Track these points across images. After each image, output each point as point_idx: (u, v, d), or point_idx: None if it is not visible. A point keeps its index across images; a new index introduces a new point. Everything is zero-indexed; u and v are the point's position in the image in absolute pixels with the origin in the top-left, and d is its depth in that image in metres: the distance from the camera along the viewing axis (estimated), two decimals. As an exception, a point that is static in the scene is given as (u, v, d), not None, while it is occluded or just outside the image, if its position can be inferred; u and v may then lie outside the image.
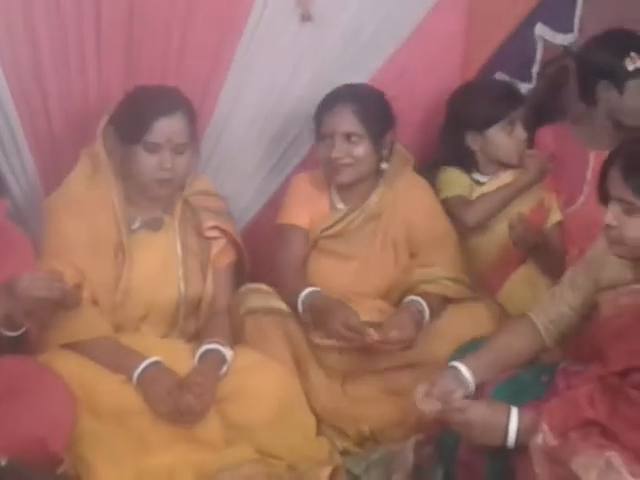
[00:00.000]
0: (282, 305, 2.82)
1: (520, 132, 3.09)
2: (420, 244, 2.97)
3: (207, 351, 2.62)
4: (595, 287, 2.45)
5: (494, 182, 3.13)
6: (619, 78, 3.07)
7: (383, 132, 2.92)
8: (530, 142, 3.16)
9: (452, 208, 3.07)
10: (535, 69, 3.44)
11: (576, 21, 3.37)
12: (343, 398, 2.80)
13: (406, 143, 3.08)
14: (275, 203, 3.14)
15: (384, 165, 2.96)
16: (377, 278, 2.97)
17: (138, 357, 2.56)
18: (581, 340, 2.53)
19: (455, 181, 3.13)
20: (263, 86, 3.08)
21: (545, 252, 3.01)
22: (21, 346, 2.54)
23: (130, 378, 2.53)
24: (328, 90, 2.95)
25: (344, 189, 2.98)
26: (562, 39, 3.40)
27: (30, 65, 2.83)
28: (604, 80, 3.11)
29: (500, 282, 3.08)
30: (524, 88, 3.39)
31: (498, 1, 3.28)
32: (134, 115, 2.66)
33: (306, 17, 3.01)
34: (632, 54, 3.05)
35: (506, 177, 3.13)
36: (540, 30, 3.36)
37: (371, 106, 2.90)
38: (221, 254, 2.84)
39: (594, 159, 3.11)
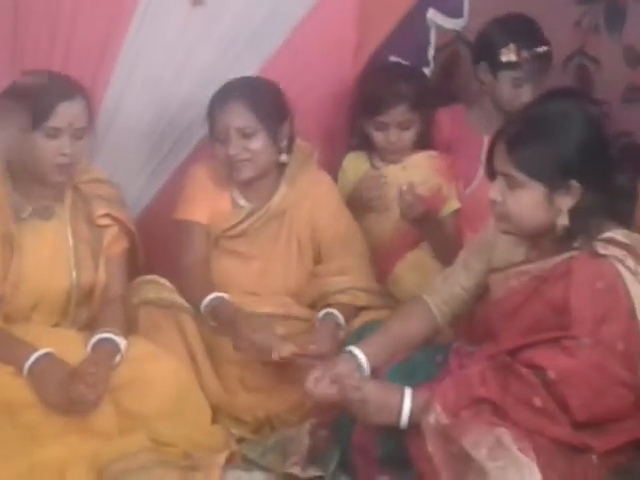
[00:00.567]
0: (176, 297, 2.77)
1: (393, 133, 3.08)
2: (327, 246, 2.97)
3: (100, 340, 2.58)
4: (487, 268, 2.48)
5: (391, 169, 3.13)
6: (494, 66, 3.13)
7: (279, 123, 2.88)
8: (429, 124, 3.17)
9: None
10: (431, 53, 3.47)
11: (465, 6, 3.41)
12: (239, 388, 2.78)
13: (305, 129, 3.05)
14: (167, 192, 3.10)
15: (284, 157, 2.93)
16: (280, 278, 2.96)
17: (28, 349, 2.50)
18: (473, 321, 2.57)
19: (350, 167, 3.16)
20: (154, 73, 3.03)
21: (439, 232, 3.04)
22: None
23: (20, 370, 2.48)
24: (221, 77, 2.91)
25: (245, 185, 2.94)
26: (453, 24, 3.44)
27: None
28: (484, 63, 3.17)
29: (391, 266, 3.09)
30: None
31: (390, -15, 3.31)
32: (32, 101, 2.58)
33: (197, 1, 2.98)
34: (511, 45, 3.09)
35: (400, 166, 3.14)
36: (432, 14, 3.39)
37: (263, 98, 2.86)
38: (114, 242, 2.80)
39: (488, 142, 3.15)
